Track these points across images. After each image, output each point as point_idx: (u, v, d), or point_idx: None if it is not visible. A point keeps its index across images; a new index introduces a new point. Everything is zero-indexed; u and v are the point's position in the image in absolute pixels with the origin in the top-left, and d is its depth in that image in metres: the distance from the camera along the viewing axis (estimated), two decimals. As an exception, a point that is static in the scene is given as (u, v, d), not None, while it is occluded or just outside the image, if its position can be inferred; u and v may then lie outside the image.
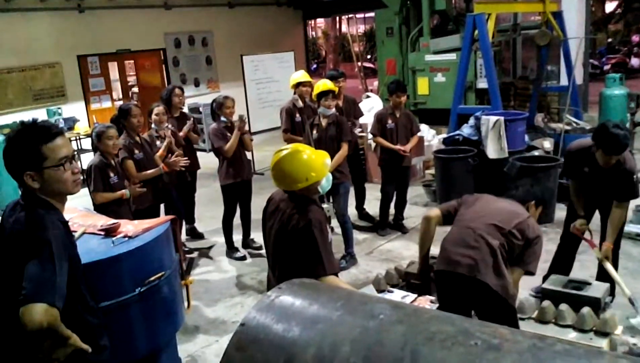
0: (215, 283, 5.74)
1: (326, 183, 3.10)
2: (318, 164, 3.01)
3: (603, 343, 3.56)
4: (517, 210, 3.50)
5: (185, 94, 6.94)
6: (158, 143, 5.82)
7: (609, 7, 25.31)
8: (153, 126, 5.94)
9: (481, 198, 3.65)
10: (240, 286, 5.62)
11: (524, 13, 11.41)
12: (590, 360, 1.54)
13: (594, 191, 4.38)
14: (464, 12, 10.43)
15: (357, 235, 6.53)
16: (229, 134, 5.93)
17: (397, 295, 4.23)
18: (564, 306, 3.74)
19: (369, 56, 26.01)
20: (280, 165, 3.02)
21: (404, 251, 6.07)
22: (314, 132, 5.80)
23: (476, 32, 7.81)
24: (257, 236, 6.00)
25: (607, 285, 4.01)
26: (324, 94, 5.76)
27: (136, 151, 5.38)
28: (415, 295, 4.14)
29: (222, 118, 6.01)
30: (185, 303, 3.71)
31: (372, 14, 13.59)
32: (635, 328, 4.20)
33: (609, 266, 4.12)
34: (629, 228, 5.96)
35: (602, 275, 4.45)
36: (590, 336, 3.62)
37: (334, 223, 6.04)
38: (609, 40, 20.49)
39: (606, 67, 17.25)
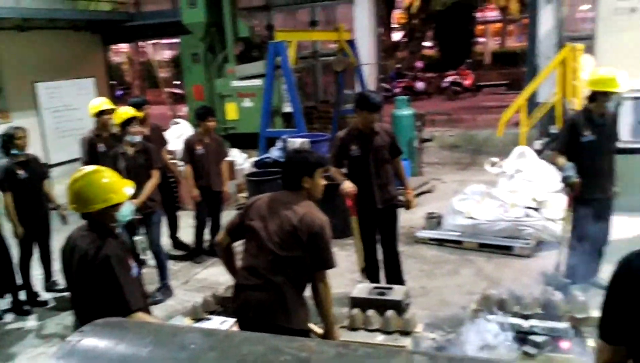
0: (14, 333, 5.17)
1: (126, 211, 2.97)
2: (119, 187, 2.89)
3: (407, 342, 3.89)
4: (293, 211, 3.13)
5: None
6: None
7: (396, 37, 28.06)
8: None
9: (259, 214, 3.21)
10: (44, 335, 5.12)
11: (322, 41, 12.21)
12: (389, 359, 1.70)
13: (366, 171, 4.79)
14: (266, 40, 10.82)
15: (173, 265, 6.36)
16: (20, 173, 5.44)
17: (216, 321, 4.20)
18: (370, 312, 4.03)
19: (177, 82, 25.61)
20: (79, 183, 2.85)
21: (220, 277, 6.04)
22: (122, 161, 5.56)
23: (278, 58, 8.14)
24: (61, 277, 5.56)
25: (405, 287, 4.41)
26: (129, 121, 5.57)
27: None
28: (234, 320, 4.15)
29: (14, 151, 5.49)
30: (-25, 362, 3.30)
31: (178, 40, 13.46)
32: (433, 325, 4.65)
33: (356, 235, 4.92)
34: (423, 233, 6.63)
35: (390, 279, 4.96)
36: (396, 337, 3.93)
37: (148, 254, 5.83)
38: (398, 66, 22.66)
39: (396, 90, 19.01)
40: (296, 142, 7.25)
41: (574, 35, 9.74)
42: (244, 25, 11.24)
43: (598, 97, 4.68)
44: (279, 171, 7.28)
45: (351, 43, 10.10)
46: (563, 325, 3.77)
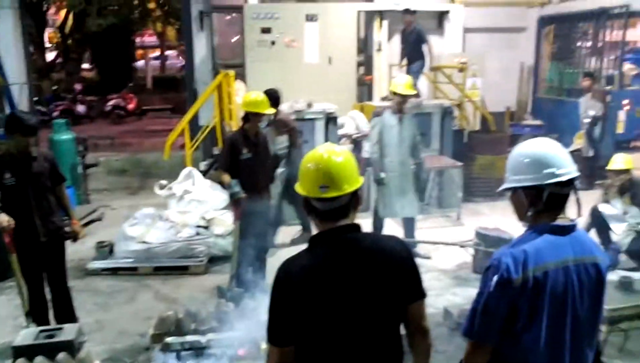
0: None
1: None
2: None
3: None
4: None
5: None
6: None
7: (50, 57, 26.09)
8: None
9: None
10: None
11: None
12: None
13: (25, 201, 4.33)
14: None
15: None
16: None
17: None
18: (39, 359, 3.63)
19: None
20: None
21: None
22: None
23: None
24: None
25: (78, 325, 4.11)
26: None
27: None
28: None
29: None
30: None
31: None
32: (112, 358, 4.44)
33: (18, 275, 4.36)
34: (94, 264, 6.28)
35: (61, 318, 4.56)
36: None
37: None
38: (55, 87, 21.04)
39: (55, 114, 17.55)
40: None
41: (228, 62, 10.52)
42: None
43: (251, 117, 5.19)
44: None
45: (-5, 61, 9.01)
46: (237, 334, 4.03)
